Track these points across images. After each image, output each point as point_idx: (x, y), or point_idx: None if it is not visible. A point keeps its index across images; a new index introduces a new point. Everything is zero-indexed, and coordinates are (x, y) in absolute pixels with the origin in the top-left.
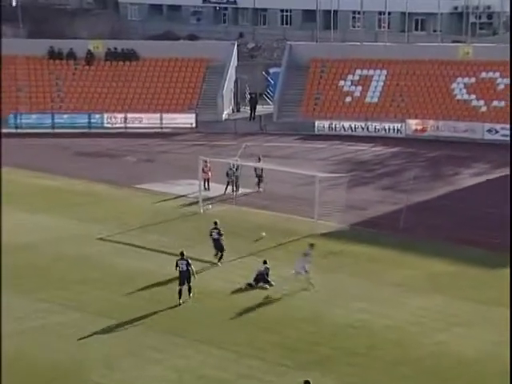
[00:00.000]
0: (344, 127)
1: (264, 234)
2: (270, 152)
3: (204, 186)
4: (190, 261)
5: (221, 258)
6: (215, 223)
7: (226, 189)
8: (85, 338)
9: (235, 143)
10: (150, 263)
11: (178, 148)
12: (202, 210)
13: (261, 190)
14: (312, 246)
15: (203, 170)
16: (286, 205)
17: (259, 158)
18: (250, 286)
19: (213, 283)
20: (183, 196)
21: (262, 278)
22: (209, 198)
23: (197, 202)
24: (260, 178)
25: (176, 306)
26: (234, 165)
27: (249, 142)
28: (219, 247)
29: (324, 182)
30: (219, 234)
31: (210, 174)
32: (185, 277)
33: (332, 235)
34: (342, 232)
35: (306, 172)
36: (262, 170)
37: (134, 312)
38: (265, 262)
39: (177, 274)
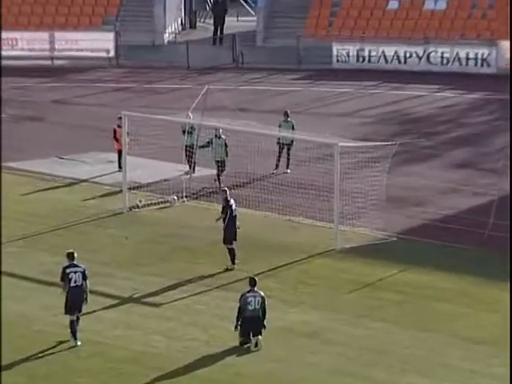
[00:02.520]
0: (384, 55)
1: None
2: (250, 102)
3: (119, 163)
4: (86, 271)
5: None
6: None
7: (191, 168)
8: None
9: (187, 86)
10: (34, 305)
11: (82, 95)
12: (126, 208)
13: (288, 171)
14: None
15: (115, 134)
16: (280, 198)
17: (286, 114)
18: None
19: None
20: (93, 182)
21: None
22: (138, 187)
23: (119, 193)
24: (288, 149)
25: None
26: (185, 125)
27: (212, 84)
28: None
29: (349, 157)
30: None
31: (128, 141)
32: (79, 296)
33: (365, 253)
34: (384, 246)
35: (317, 138)
36: (292, 141)
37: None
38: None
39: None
